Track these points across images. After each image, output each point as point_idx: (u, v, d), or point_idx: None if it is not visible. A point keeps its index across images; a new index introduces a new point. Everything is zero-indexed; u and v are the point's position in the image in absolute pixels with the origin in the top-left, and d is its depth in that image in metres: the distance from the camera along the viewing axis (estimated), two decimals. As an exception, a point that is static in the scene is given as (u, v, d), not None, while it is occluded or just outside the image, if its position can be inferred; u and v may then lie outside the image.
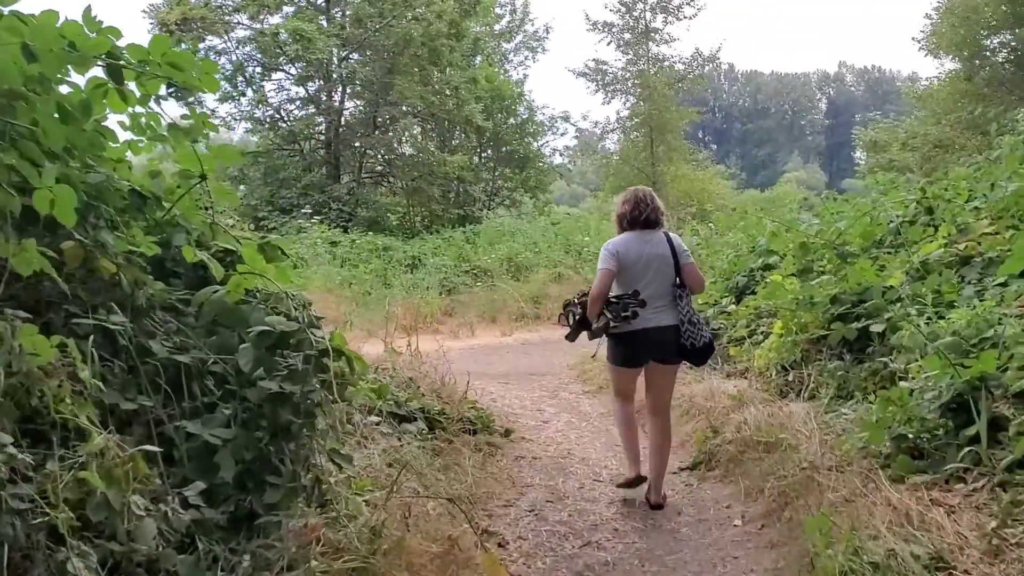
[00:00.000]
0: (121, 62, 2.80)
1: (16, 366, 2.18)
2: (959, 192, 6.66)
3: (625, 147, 36.09)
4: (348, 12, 23.77)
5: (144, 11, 22.02)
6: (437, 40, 23.30)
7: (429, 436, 4.91)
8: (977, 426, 3.46)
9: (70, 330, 2.60)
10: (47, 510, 2.03)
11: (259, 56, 23.81)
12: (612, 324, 4.63)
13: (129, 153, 3.47)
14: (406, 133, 25.83)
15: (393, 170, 25.17)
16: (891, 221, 6.47)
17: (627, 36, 34.98)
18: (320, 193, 22.52)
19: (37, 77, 2.61)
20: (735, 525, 4.30)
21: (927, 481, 3.47)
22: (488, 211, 25.98)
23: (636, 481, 4.73)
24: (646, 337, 4.67)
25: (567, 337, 5.16)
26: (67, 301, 2.67)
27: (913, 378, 4.20)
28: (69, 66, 2.73)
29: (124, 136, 3.34)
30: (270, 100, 24.04)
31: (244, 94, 23.99)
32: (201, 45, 22.93)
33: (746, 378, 6.28)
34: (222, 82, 23.65)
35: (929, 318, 4.55)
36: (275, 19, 23.30)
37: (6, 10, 2.53)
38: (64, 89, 2.79)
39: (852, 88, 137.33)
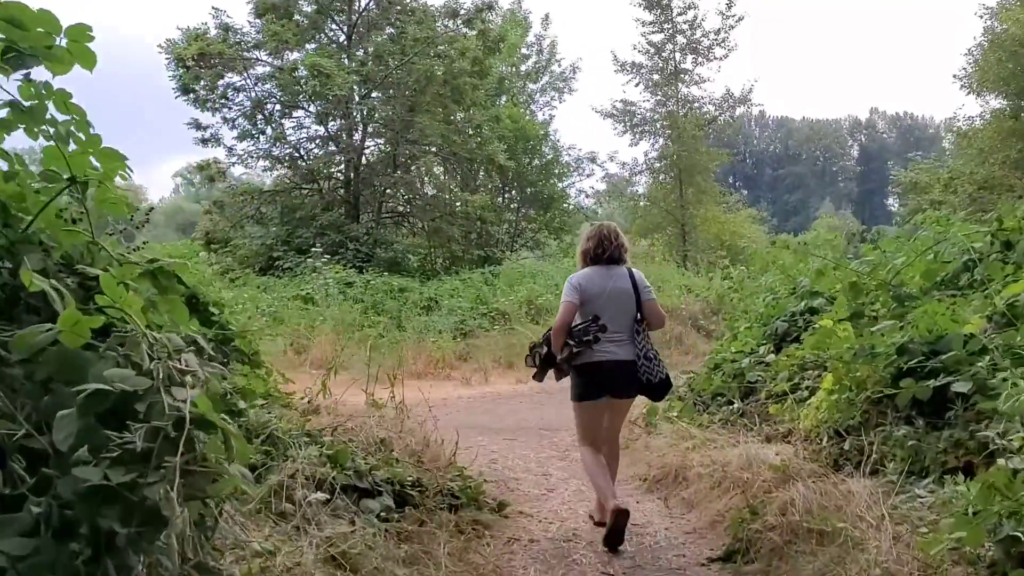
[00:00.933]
0: None
1: None
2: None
3: (653, 189, 35.27)
4: (369, 49, 23.23)
5: (160, 46, 21.66)
6: (460, 78, 22.69)
7: (396, 515, 3.95)
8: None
9: None
10: None
11: (278, 93, 23.31)
12: (575, 349, 4.73)
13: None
14: (427, 172, 25.14)
15: (413, 210, 24.47)
16: (962, 258, 5.49)
17: (656, 77, 34.35)
18: (337, 233, 21.81)
19: None
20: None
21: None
22: (511, 252, 25.15)
23: (621, 513, 4.45)
24: (606, 369, 4.78)
25: (535, 377, 5.21)
26: None
27: (1015, 455, 3.21)
28: None
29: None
30: (289, 138, 23.47)
31: (264, 132, 23.46)
32: (220, 82, 22.55)
33: (790, 443, 5.28)
34: (241, 120, 23.24)
35: (1027, 375, 3.56)
36: (295, 55, 22.78)
37: None
38: None
39: (884, 135, 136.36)
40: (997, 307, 4.37)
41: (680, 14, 32.75)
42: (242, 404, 4.06)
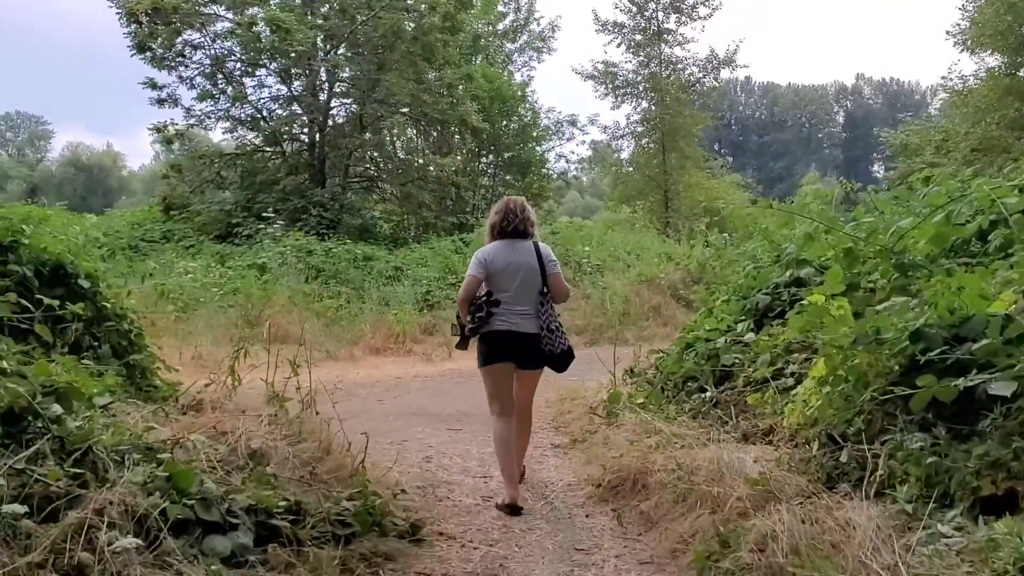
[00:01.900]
0: None
1: None
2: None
3: (636, 154, 34.25)
4: (334, 4, 21.93)
5: (110, 1, 20.28)
6: (430, 35, 21.49)
7: (256, 557, 2.99)
8: None
9: None
10: None
11: (239, 51, 22.04)
12: (469, 324, 4.95)
13: None
14: (397, 135, 23.95)
15: (382, 174, 23.36)
16: (979, 219, 4.54)
17: (638, 37, 33.22)
18: (300, 198, 20.69)
19: None
20: None
21: None
22: (486, 220, 24.11)
23: (514, 508, 4.70)
24: (509, 339, 4.96)
25: (457, 346, 5.30)
26: None
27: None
28: None
29: None
30: (250, 98, 22.20)
31: (224, 92, 22.18)
32: (178, 39, 21.25)
33: (772, 443, 4.37)
34: (200, 79, 22.00)
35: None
36: (256, 11, 21.47)
37: None
38: None
39: (870, 101, 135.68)
40: (1034, 280, 3.44)
41: (664, -30, 31.63)
42: (58, 409, 3.09)
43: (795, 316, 4.18)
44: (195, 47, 21.67)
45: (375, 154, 23.74)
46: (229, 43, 21.98)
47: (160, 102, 21.55)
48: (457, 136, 24.39)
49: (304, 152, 22.67)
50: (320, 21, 21.44)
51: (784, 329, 5.08)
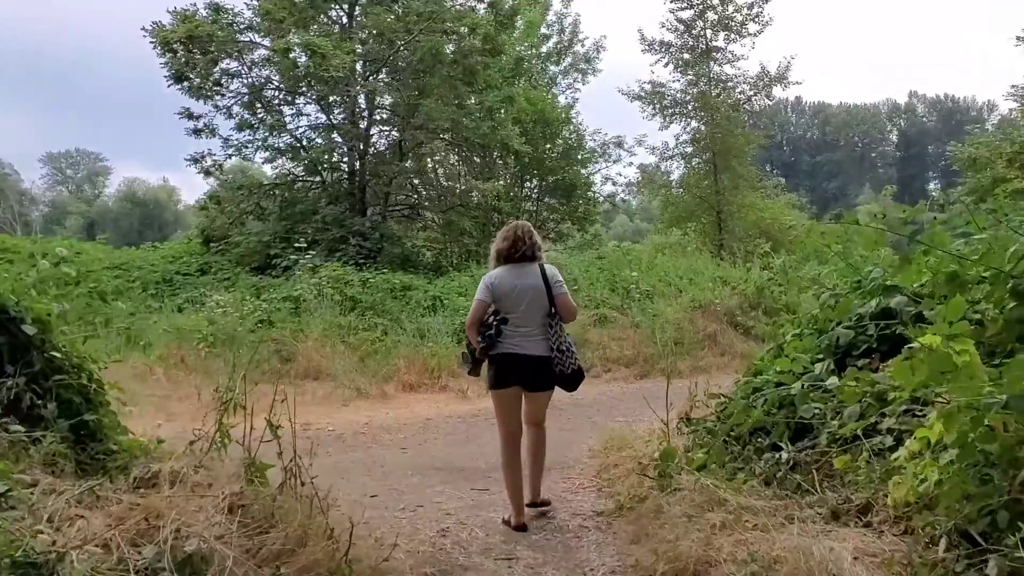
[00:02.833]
0: None
1: None
2: None
3: (687, 175, 33.15)
4: (372, 28, 21.41)
5: (144, 29, 19.99)
6: (471, 57, 20.86)
7: None
8: None
9: None
10: None
11: (276, 79, 21.64)
12: (480, 343, 5.03)
13: None
14: (437, 161, 23.29)
15: (423, 201, 22.70)
16: None
17: (686, 56, 32.23)
18: (339, 227, 20.10)
19: None
20: None
21: None
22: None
23: (520, 528, 4.92)
24: (517, 362, 5.04)
25: (469, 373, 5.38)
26: None
27: None
28: None
29: None
30: (289, 126, 21.76)
31: (263, 120, 21.77)
32: (214, 68, 20.91)
33: (871, 525, 3.40)
34: (238, 108, 21.63)
35: None
36: (293, 39, 21.05)
37: None
38: None
39: (924, 119, 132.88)
40: None
41: (710, -12, 30.65)
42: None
43: (901, 365, 3.22)
44: (232, 76, 21.33)
45: (416, 181, 23.11)
46: (267, 71, 21.62)
47: (197, 132, 21.21)
48: (499, 160, 23.69)
49: (344, 181, 22.15)
50: (358, 47, 20.91)
51: (886, 374, 4.10)
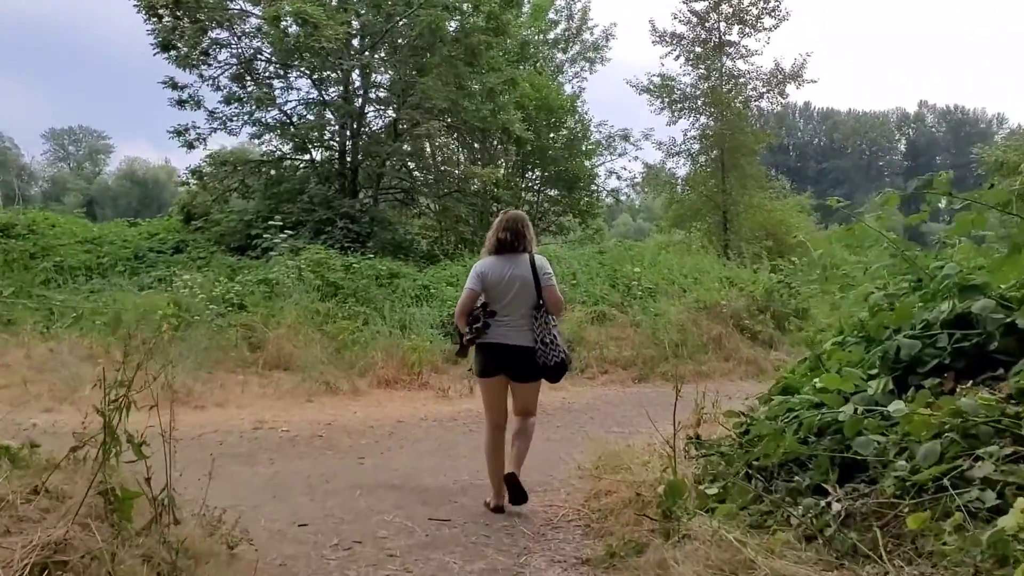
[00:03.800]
0: None
1: None
2: None
3: (693, 173, 32.06)
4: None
5: (130, -5, 18.84)
6: (473, 36, 19.74)
7: None
8: None
9: None
10: None
11: (267, 50, 20.51)
12: (467, 334, 5.17)
13: None
14: (433, 143, 22.12)
15: (418, 185, 21.58)
16: None
17: (698, 49, 31.12)
18: (327, 209, 18.99)
19: None
20: None
21: None
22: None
23: (499, 509, 5.14)
24: (503, 352, 5.16)
25: (456, 354, 5.51)
26: None
27: None
28: None
29: None
30: (278, 101, 20.60)
31: (252, 94, 20.61)
32: (204, 38, 19.77)
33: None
34: (225, 81, 20.51)
35: None
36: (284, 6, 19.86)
37: None
38: None
39: (933, 129, 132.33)
40: None
41: (725, -22, 29.58)
42: None
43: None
44: (221, 46, 20.19)
45: (411, 164, 21.96)
46: (257, 42, 20.49)
47: (181, 103, 20.08)
48: (500, 147, 22.59)
49: (335, 161, 21.03)
50: (353, 20, 19.76)
51: (973, 400, 3.02)
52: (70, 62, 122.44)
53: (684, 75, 31.36)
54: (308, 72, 20.42)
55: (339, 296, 14.58)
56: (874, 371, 3.99)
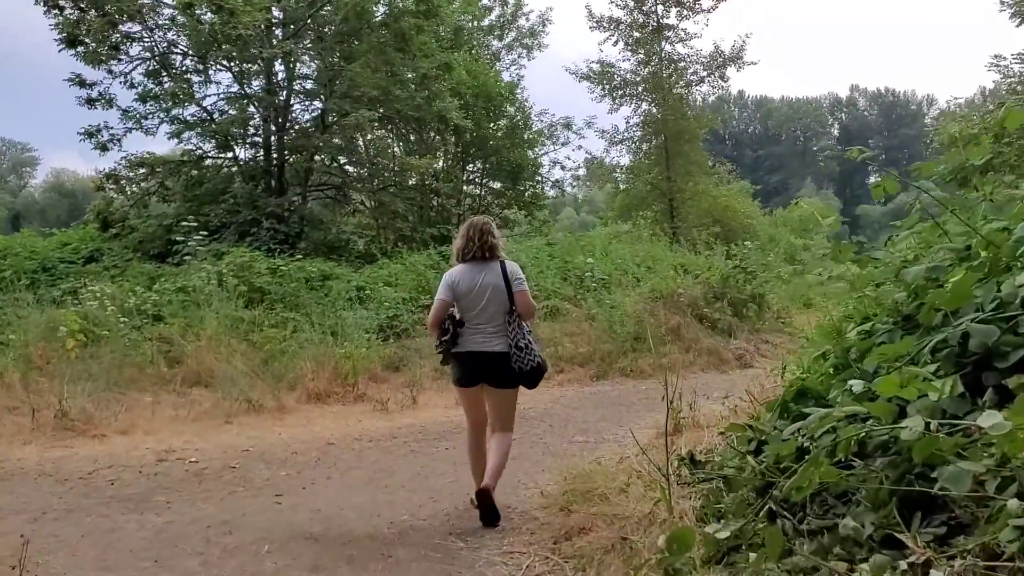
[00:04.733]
0: None
1: None
2: None
3: (637, 160, 31.31)
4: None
5: (28, -15, 17.27)
6: (402, 20, 18.58)
7: None
8: None
9: None
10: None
11: (183, 44, 19.09)
12: (437, 346, 5.22)
13: None
14: (364, 135, 20.87)
15: (349, 181, 20.34)
16: None
17: (636, 34, 30.35)
18: (252, 209, 17.70)
19: None
20: None
21: None
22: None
23: (482, 495, 4.88)
24: (478, 360, 5.10)
25: (441, 362, 5.43)
26: None
27: None
28: None
29: None
30: (197, 96, 19.17)
31: (168, 90, 19.14)
32: (112, 32, 18.26)
33: None
34: (142, 77, 19.04)
35: None
36: None
37: None
38: None
39: (865, 112, 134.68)
40: None
41: (662, -40, 28.87)
42: None
43: None
44: (133, 39, 18.70)
45: (342, 159, 20.69)
46: (172, 34, 19.06)
47: (90, 102, 18.55)
48: (437, 137, 21.46)
49: (260, 158, 19.68)
50: (273, 5, 18.45)
51: None
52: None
53: (624, 61, 30.67)
54: (227, 64, 19.07)
55: (266, 302, 13.38)
56: (936, 369, 3.01)
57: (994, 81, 18.69)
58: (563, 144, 26.79)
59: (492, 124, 23.36)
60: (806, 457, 3.03)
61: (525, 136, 24.11)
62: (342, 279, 14.76)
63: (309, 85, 20.41)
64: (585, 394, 10.62)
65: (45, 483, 5.83)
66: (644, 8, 30.09)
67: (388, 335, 12.66)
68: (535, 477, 5.79)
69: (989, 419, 2.44)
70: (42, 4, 17.38)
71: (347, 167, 20.89)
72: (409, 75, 19.60)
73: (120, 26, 18.34)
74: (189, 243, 14.24)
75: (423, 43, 19.64)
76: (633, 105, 30.72)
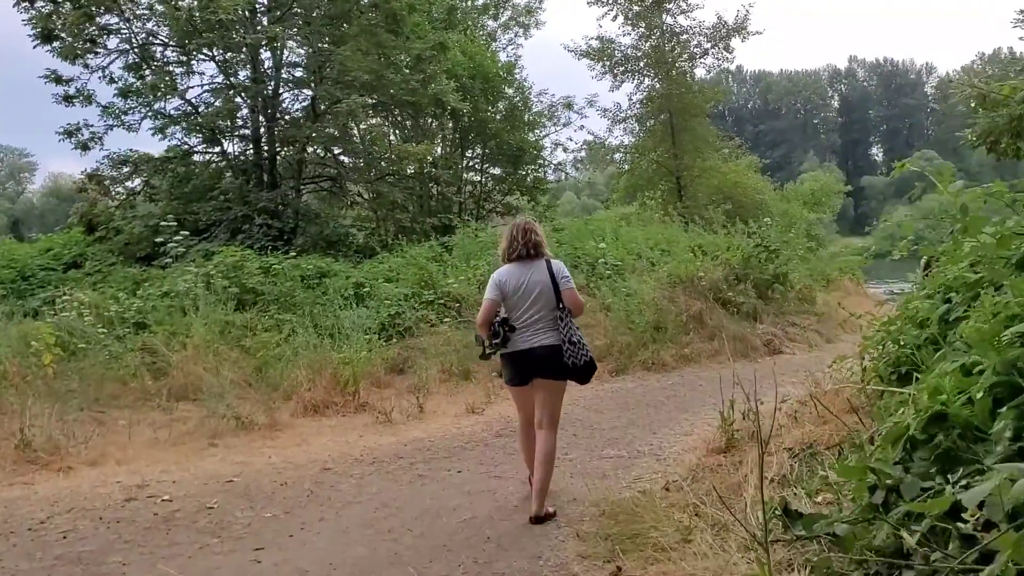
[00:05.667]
0: None
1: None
2: None
3: (642, 139, 30.24)
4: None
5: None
6: (393, 0, 17.57)
7: None
8: None
9: None
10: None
11: (164, 33, 18.10)
12: (487, 348, 5.26)
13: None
14: (358, 122, 19.87)
15: (344, 171, 19.36)
16: None
17: (635, 8, 29.23)
18: (243, 205, 16.77)
19: None
20: None
21: None
22: (476, 221, 20.00)
23: (538, 519, 4.89)
24: (530, 356, 5.18)
25: (481, 357, 5.56)
26: None
27: None
28: None
29: None
30: (181, 88, 18.19)
31: (150, 84, 18.14)
32: (88, 25, 17.27)
33: None
34: (121, 71, 18.08)
35: None
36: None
37: None
38: None
39: (865, 83, 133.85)
40: None
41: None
42: None
43: None
44: (111, 31, 17.72)
45: (337, 150, 19.72)
46: (151, 24, 18.07)
47: (68, 99, 17.60)
48: (434, 122, 20.47)
49: (250, 151, 18.72)
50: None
51: None
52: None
53: (624, 36, 29.53)
54: (210, 54, 18.07)
55: (259, 304, 12.45)
56: None
57: (1020, 37, 17.50)
58: (565, 125, 25.76)
59: (491, 107, 22.38)
60: (964, 515, 2.10)
61: (525, 118, 23.15)
62: (340, 276, 13.85)
63: (298, 73, 19.45)
64: (606, 393, 9.69)
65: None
66: (642, -20, 28.99)
67: (391, 335, 11.74)
68: (566, 510, 4.88)
69: None
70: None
71: (342, 157, 19.91)
72: (402, 57, 18.61)
73: (97, 18, 17.39)
74: (170, 244, 13.30)
75: (416, 24, 18.67)
76: (636, 81, 29.65)
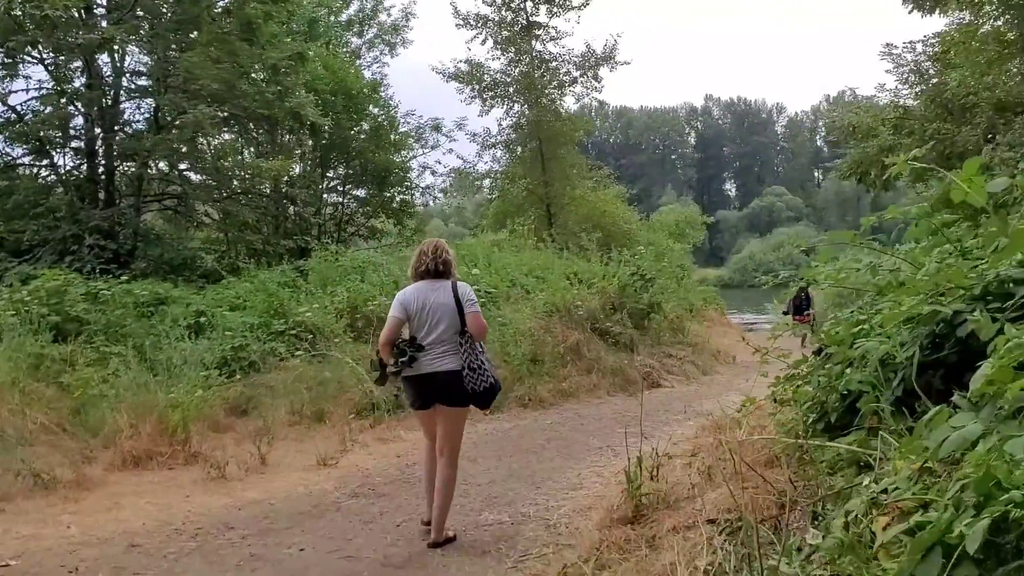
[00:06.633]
0: None
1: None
2: None
3: (512, 165, 29.66)
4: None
5: None
6: (248, 6, 16.20)
7: None
8: None
9: None
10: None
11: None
12: (391, 368, 5.10)
13: None
14: (207, 136, 18.23)
15: (190, 188, 17.69)
16: None
17: (505, 33, 28.72)
18: (73, 224, 14.96)
19: None
20: None
21: None
22: (336, 244, 18.70)
23: (429, 524, 5.20)
24: (431, 381, 5.10)
25: (376, 382, 5.47)
26: None
27: None
28: None
29: None
30: (3, 93, 16.21)
31: (-34, 88, 16.11)
32: None
33: None
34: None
35: None
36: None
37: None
38: None
39: (720, 121, 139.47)
40: None
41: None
42: None
43: None
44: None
45: (182, 165, 18.02)
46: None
47: None
48: (291, 137, 19.10)
49: (83, 164, 16.84)
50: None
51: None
52: None
53: (493, 60, 28.93)
54: (38, 56, 16.17)
55: (84, 334, 10.81)
56: None
57: (886, 70, 17.91)
58: (433, 147, 24.80)
59: (354, 126, 21.17)
60: None
61: (392, 138, 22.02)
62: (180, 303, 12.32)
63: (142, 81, 17.72)
64: (481, 436, 8.66)
65: None
66: (513, 5, 28.53)
67: (234, 370, 10.35)
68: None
69: None
70: None
71: (188, 173, 18.22)
72: (257, 68, 17.22)
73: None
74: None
75: (272, 34, 17.32)
76: (505, 107, 29.07)
